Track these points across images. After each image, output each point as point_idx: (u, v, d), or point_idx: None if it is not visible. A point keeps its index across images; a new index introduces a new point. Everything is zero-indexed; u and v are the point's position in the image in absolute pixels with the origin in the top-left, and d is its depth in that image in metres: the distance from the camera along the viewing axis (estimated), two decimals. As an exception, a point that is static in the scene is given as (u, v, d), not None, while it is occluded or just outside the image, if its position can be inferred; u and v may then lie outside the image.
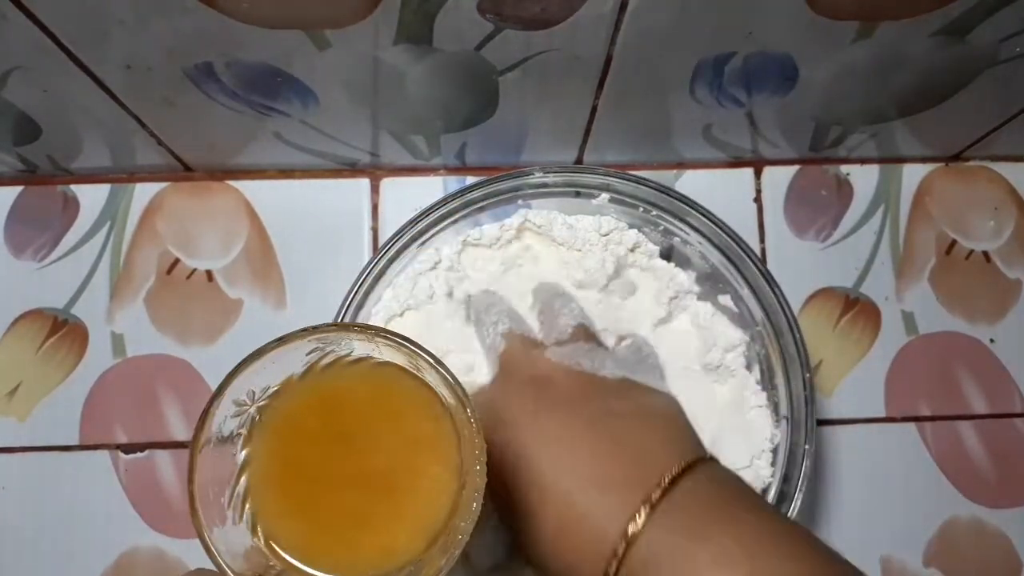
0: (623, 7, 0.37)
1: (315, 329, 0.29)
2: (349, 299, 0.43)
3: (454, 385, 0.29)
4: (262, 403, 0.30)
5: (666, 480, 0.32)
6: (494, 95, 0.44)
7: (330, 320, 0.42)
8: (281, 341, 0.29)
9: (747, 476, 0.41)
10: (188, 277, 0.51)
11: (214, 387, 0.49)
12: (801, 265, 0.53)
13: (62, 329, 0.50)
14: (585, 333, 0.40)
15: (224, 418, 0.29)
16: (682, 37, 0.40)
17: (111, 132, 0.47)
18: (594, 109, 0.46)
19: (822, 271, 0.53)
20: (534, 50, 0.40)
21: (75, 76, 0.41)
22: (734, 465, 0.41)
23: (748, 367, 0.44)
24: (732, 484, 0.34)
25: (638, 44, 0.40)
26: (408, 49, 0.40)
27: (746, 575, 0.29)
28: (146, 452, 0.49)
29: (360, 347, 0.31)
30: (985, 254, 0.55)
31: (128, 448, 0.49)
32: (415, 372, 0.31)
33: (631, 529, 0.31)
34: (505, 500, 0.36)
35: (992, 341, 0.53)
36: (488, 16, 0.37)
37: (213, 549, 0.27)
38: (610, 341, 0.42)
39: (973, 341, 0.53)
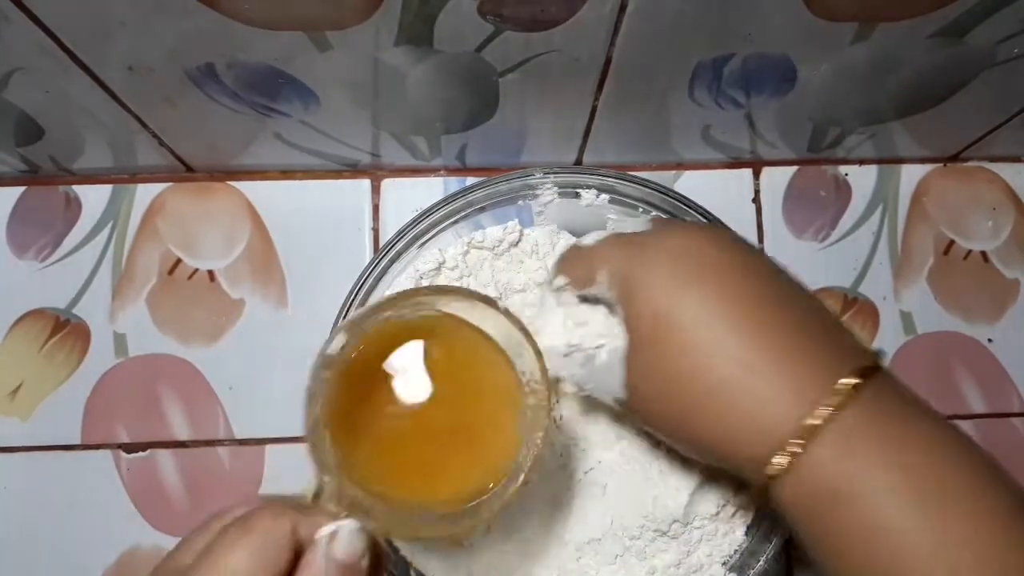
0: (623, 9, 0.37)
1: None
2: (350, 299, 0.43)
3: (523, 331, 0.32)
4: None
5: (852, 379, 0.29)
6: (494, 96, 0.45)
7: (331, 320, 0.43)
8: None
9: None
10: (190, 277, 0.52)
11: (215, 387, 0.50)
12: (799, 265, 0.54)
13: (64, 329, 0.51)
14: None
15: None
16: (681, 39, 0.40)
17: (113, 133, 0.47)
18: (594, 110, 0.46)
19: (820, 271, 0.54)
20: (534, 51, 0.40)
21: (77, 77, 0.41)
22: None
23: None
24: (910, 396, 0.31)
25: (637, 46, 0.40)
26: (409, 50, 0.40)
27: (921, 502, 0.28)
28: (148, 451, 0.49)
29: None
30: (983, 254, 0.55)
31: (130, 447, 0.49)
32: (474, 323, 0.34)
33: (814, 420, 0.29)
34: (641, 348, 0.33)
35: (990, 341, 0.53)
36: (488, 18, 0.37)
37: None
38: None
39: (971, 341, 0.53)
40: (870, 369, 0.30)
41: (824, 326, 0.32)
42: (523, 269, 0.46)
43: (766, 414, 0.30)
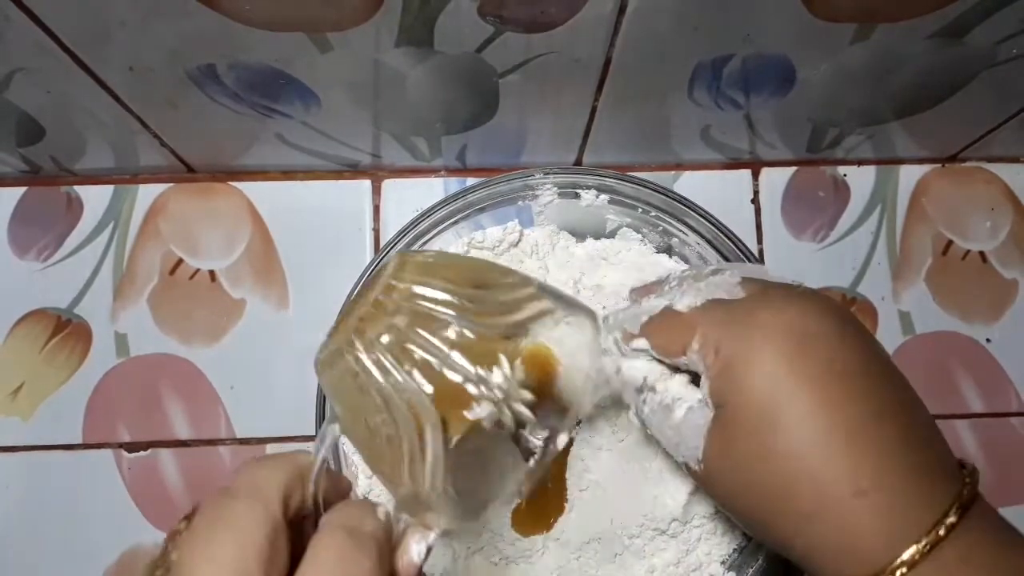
0: (622, 10, 0.37)
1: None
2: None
3: None
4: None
5: (955, 510, 0.28)
6: (494, 97, 0.45)
7: (332, 320, 0.43)
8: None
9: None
10: (191, 277, 0.52)
11: (217, 387, 0.50)
12: (798, 265, 0.54)
13: (66, 329, 0.51)
14: None
15: None
16: (681, 39, 0.40)
17: (114, 133, 0.48)
18: (593, 111, 0.47)
19: (819, 271, 0.54)
20: (534, 52, 0.40)
21: (78, 77, 0.41)
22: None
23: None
24: (1007, 531, 0.30)
25: (637, 46, 0.40)
26: (409, 51, 0.40)
27: None
28: (149, 451, 0.50)
29: None
30: (981, 254, 0.55)
31: (131, 447, 0.49)
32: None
33: (910, 554, 0.27)
34: (731, 455, 0.31)
35: (989, 341, 0.54)
36: (489, 19, 0.37)
37: None
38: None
39: (970, 341, 0.54)
40: (969, 498, 0.29)
41: (927, 438, 0.30)
42: (523, 269, 0.46)
43: (864, 543, 0.28)
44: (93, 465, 0.49)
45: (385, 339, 0.29)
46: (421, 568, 0.28)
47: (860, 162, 0.56)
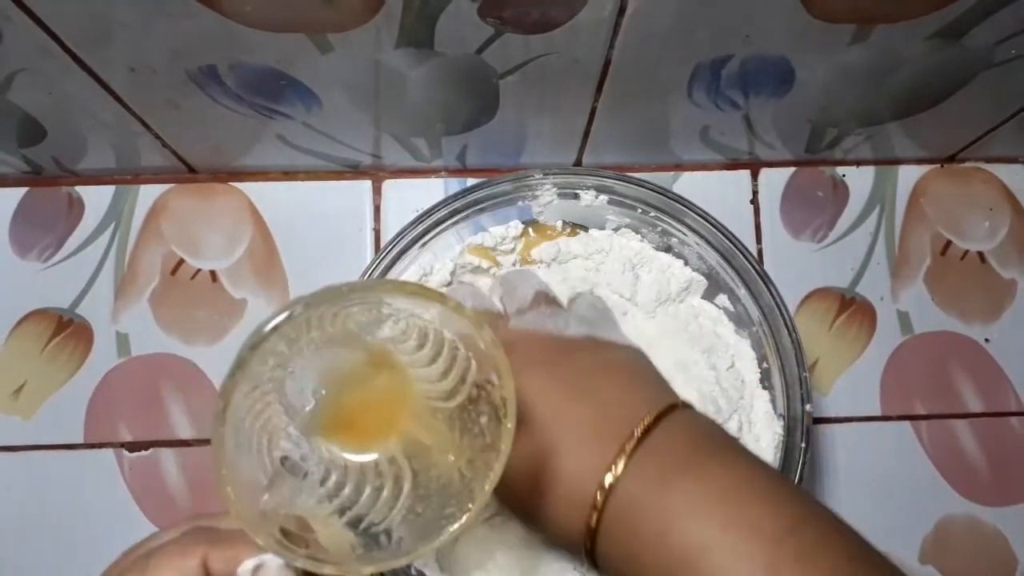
0: (622, 11, 0.37)
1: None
2: (351, 299, 0.43)
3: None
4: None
5: (639, 430, 0.32)
6: (494, 98, 0.45)
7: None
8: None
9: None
10: (192, 277, 0.52)
11: (218, 387, 0.50)
12: (797, 265, 0.54)
13: (67, 329, 0.51)
14: (545, 299, 0.40)
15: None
16: (680, 40, 0.40)
17: (115, 134, 0.48)
18: (593, 111, 0.47)
19: (818, 271, 0.54)
20: (534, 53, 0.41)
21: (79, 78, 0.41)
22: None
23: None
24: (706, 429, 0.34)
25: (637, 47, 0.40)
26: (409, 53, 0.40)
27: (718, 521, 0.29)
28: (150, 450, 0.50)
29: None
30: (980, 254, 0.55)
31: (132, 446, 0.50)
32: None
33: (608, 479, 0.31)
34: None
35: (987, 340, 0.54)
36: (489, 20, 0.37)
37: None
38: (564, 298, 0.42)
39: (968, 341, 0.54)
40: (657, 416, 0.33)
41: (619, 386, 0.35)
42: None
43: (573, 487, 0.32)
44: (94, 465, 0.49)
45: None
46: None
47: (859, 162, 0.56)
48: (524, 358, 0.35)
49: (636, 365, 0.38)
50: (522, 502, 0.35)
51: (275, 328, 0.28)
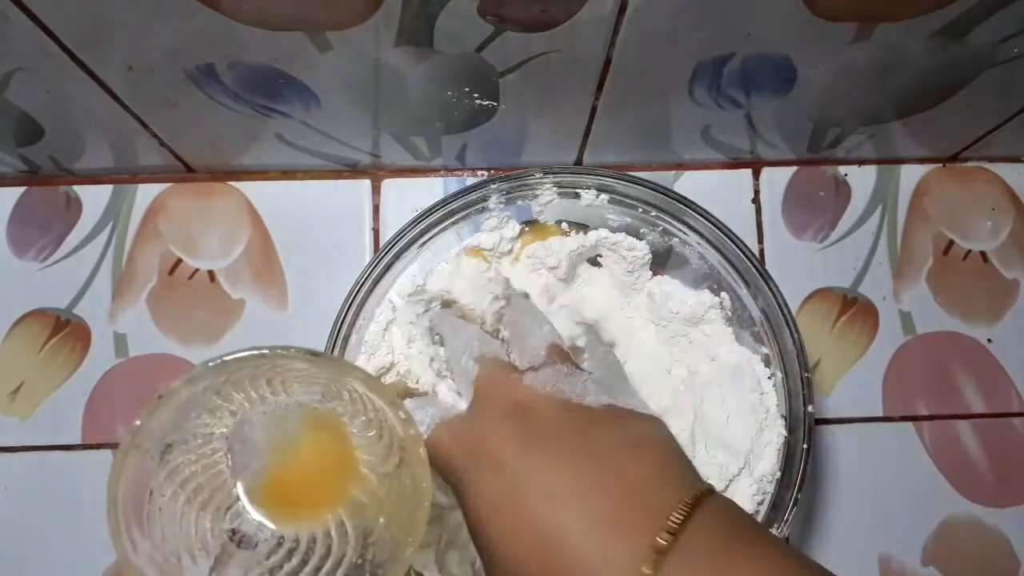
0: (622, 9, 0.37)
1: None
2: (350, 299, 0.43)
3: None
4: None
5: (673, 521, 0.30)
6: (494, 96, 0.45)
7: (332, 320, 0.43)
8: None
9: (744, 479, 0.41)
10: (190, 277, 0.52)
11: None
12: (799, 265, 0.54)
13: (64, 329, 0.51)
14: (560, 353, 0.38)
15: None
16: (681, 39, 0.40)
17: (113, 133, 0.48)
18: (593, 110, 0.47)
19: (820, 271, 0.54)
20: (534, 52, 0.40)
21: (77, 77, 0.41)
22: (731, 465, 0.41)
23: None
24: (739, 520, 0.32)
25: (637, 46, 0.40)
26: (409, 51, 0.40)
27: None
28: (148, 451, 0.49)
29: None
30: (983, 254, 0.55)
31: (130, 447, 0.49)
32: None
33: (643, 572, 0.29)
34: (484, 546, 0.33)
35: (990, 341, 0.54)
36: (488, 18, 0.37)
37: None
38: (568, 327, 0.41)
39: (971, 341, 0.54)
40: (690, 508, 0.31)
41: (645, 467, 0.33)
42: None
43: (595, 572, 0.30)
44: (92, 465, 0.49)
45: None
46: None
47: (861, 162, 0.56)
48: (542, 428, 0.34)
49: (662, 443, 0.35)
50: None
51: (161, 397, 0.29)
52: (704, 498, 0.31)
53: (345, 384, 0.31)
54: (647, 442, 0.34)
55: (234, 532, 0.30)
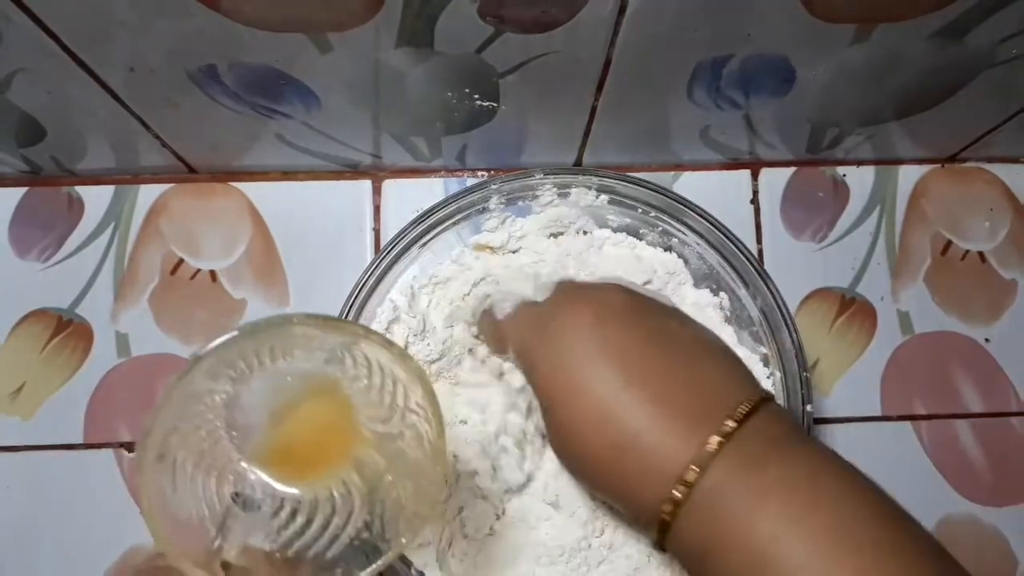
0: (622, 10, 0.37)
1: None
2: (351, 299, 0.43)
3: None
4: None
5: (740, 413, 0.31)
6: (495, 97, 0.45)
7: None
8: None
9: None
10: (192, 277, 0.52)
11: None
12: (798, 265, 0.54)
13: (66, 329, 0.51)
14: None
15: None
16: (680, 40, 0.40)
17: (115, 134, 0.48)
18: (593, 111, 0.47)
19: (818, 271, 0.54)
20: (534, 53, 0.40)
21: (78, 78, 0.41)
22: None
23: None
24: (792, 425, 0.34)
25: (637, 47, 0.40)
26: (409, 52, 0.40)
27: (805, 499, 0.30)
28: (149, 451, 0.50)
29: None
30: (980, 255, 0.55)
31: (132, 447, 0.49)
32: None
33: (700, 459, 0.30)
34: (547, 406, 0.35)
35: (988, 341, 0.54)
36: (489, 19, 0.37)
37: None
38: None
39: (969, 341, 0.54)
40: (754, 405, 0.32)
41: (713, 365, 0.35)
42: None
43: (657, 459, 0.32)
44: (94, 465, 0.49)
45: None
46: None
47: (859, 162, 0.56)
48: (615, 307, 0.35)
49: (727, 348, 0.37)
50: (593, 462, 0.34)
51: (199, 359, 0.28)
52: (765, 402, 0.33)
53: (351, 347, 0.31)
54: (714, 342, 0.36)
55: (237, 495, 0.30)
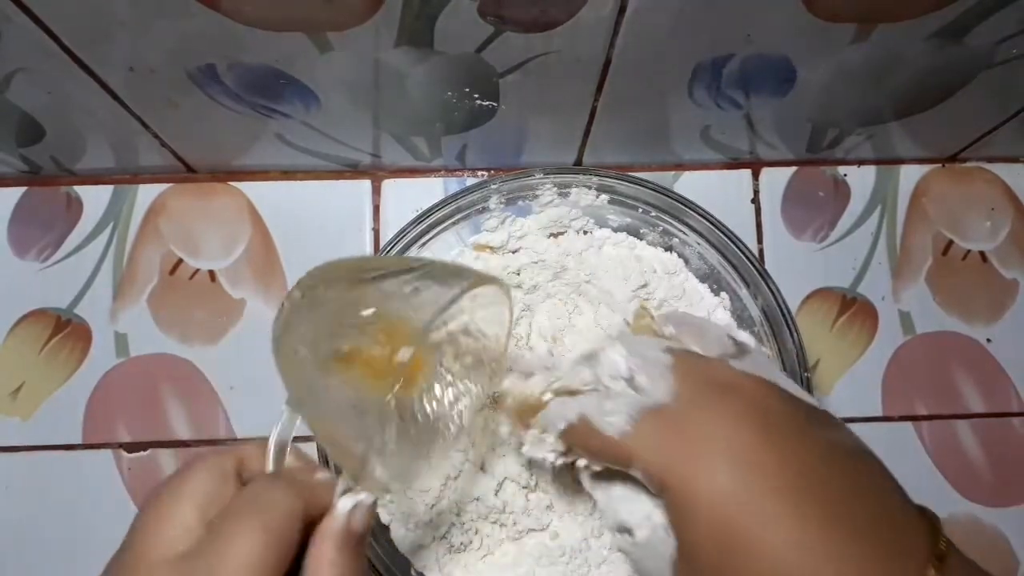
0: (622, 10, 0.37)
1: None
2: (351, 299, 0.43)
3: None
4: None
5: (940, 551, 0.27)
6: (495, 97, 0.45)
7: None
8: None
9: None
10: (191, 277, 0.52)
11: (217, 387, 0.50)
12: (798, 265, 0.54)
13: (65, 329, 0.51)
14: (734, 342, 0.33)
15: None
16: (681, 40, 0.40)
17: (114, 133, 0.48)
18: (593, 111, 0.47)
19: (819, 271, 0.54)
20: (534, 52, 0.40)
21: (78, 78, 0.41)
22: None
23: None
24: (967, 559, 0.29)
25: (637, 47, 0.40)
26: (409, 51, 0.40)
27: None
28: (149, 451, 0.49)
29: None
30: (982, 254, 0.55)
31: (131, 447, 0.49)
32: None
33: None
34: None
35: (989, 341, 0.54)
36: (489, 19, 0.37)
37: None
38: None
39: (970, 341, 0.54)
40: (946, 539, 0.28)
41: (888, 512, 0.28)
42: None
43: None
44: (93, 465, 0.49)
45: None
46: (361, 530, 0.29)
47: (860, 162, 0.56)
48: (767, 416, 0.29)
49: (868, 449, 0.30)
50: None
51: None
52: (938, 524, 0.28)
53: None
54: (860, 447, 0.30)
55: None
